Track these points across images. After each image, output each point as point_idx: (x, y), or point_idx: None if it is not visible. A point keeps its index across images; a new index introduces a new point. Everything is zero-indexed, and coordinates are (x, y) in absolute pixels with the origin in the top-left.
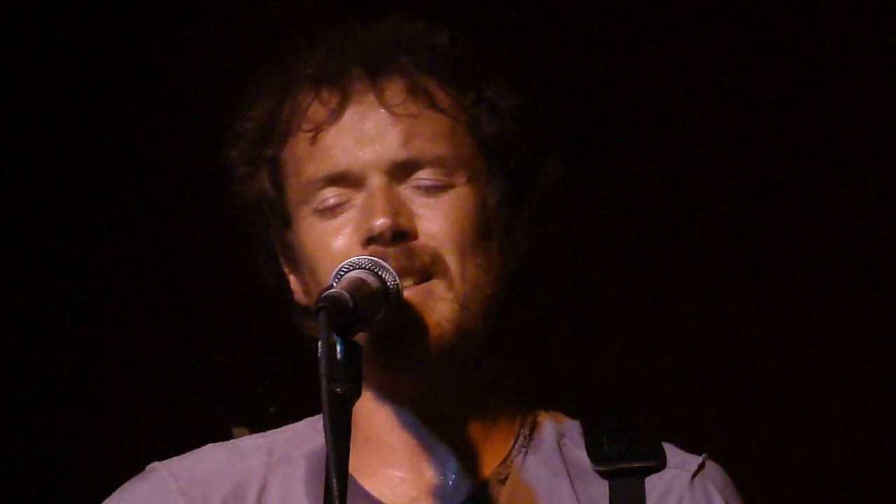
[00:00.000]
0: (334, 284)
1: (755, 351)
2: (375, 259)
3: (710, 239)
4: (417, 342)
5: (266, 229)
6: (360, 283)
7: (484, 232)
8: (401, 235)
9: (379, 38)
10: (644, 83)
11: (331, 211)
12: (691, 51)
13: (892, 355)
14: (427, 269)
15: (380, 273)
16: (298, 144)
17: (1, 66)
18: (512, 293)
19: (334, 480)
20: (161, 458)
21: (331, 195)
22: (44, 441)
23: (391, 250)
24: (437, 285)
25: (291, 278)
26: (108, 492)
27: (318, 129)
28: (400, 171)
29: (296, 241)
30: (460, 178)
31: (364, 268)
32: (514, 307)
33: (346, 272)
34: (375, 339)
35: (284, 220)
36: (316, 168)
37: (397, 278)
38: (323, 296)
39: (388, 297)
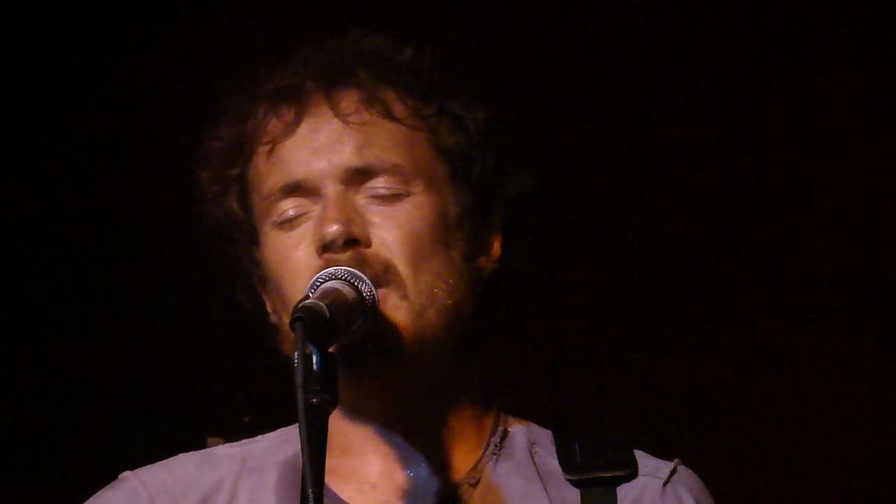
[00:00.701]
0: (311, 295)
1: (729, 355)
2: (352, 270)
3: (685, 243)
4: (375, 347)
5: (237, 249)
6: (337, 293)
7: (442, 240)
8: (352, 242)
9: (338, 52)
10: (613, 90)
11: (289, 223)
12: (657, 59)
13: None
14: (379, 279)
15: (356, 284)
16: (259, 160)
17: None
18: (484, 301)
19: (310, 491)
20: (136, 468)
21: (289, 206)
22: (17, 449)
23: (343, 258)
24: (389, 294)
25: (265, 298)
26: (81, 501)
27: (274, 143)
28: (355, 178)
29: (261, 258)
30: (417, 187)
31: (340, 278)
32: (485, 315)
33: (323, 283)
34: (348, 352)
35: (253, 239)
36: (273, 181)
37: (373, 289)
38: (299, 306)
39: (364, 308)
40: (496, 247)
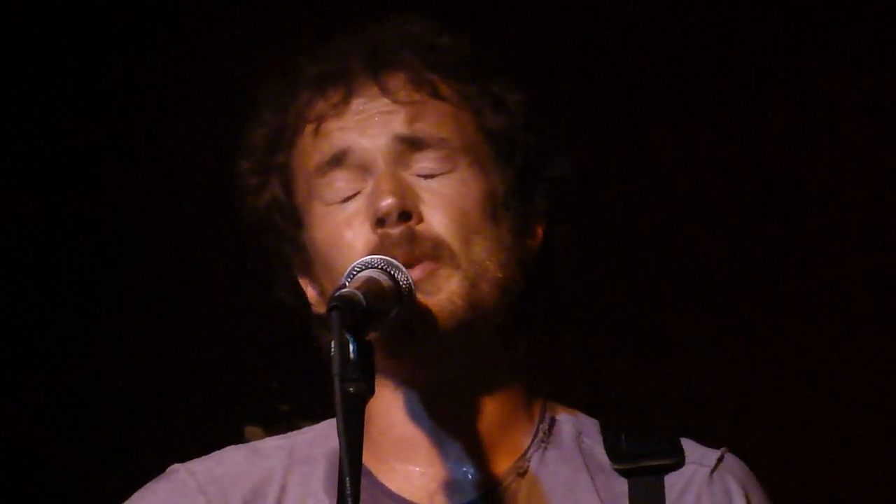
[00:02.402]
0: (347, 284)
1: (776, 344)
2: (388, 259)
3: (729, 232)
4: (430, 324)
5: (279, 238)
6: (373, 282)
7: (491, 217)
8: (405, 217)
9: (382, 36)
10: (654, 77)
11: (340, 201)
12: (700, 42)
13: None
14: (429, 256)
15: (393, 272)
16: (304, 140)
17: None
18: (528, 285)
19: (347, 479)
20: (176, 458)
21: (338, 178)
22: (61, 444)
23: (396, 233)
24: (442, 267)
25: (308, 289)
26: (124, 493)
27: (320, 121)
28: (404, 152)
29: (308, 239)
30: (463, 163)
31: (377, 267)
32: (530, 300)
33: (359, 272)
34: (388, 341)
35: (297, 222)
36: (321, 154)
37: (409, 278)
38: (335, 295)
39: (401, 297)
40: (539, 232)
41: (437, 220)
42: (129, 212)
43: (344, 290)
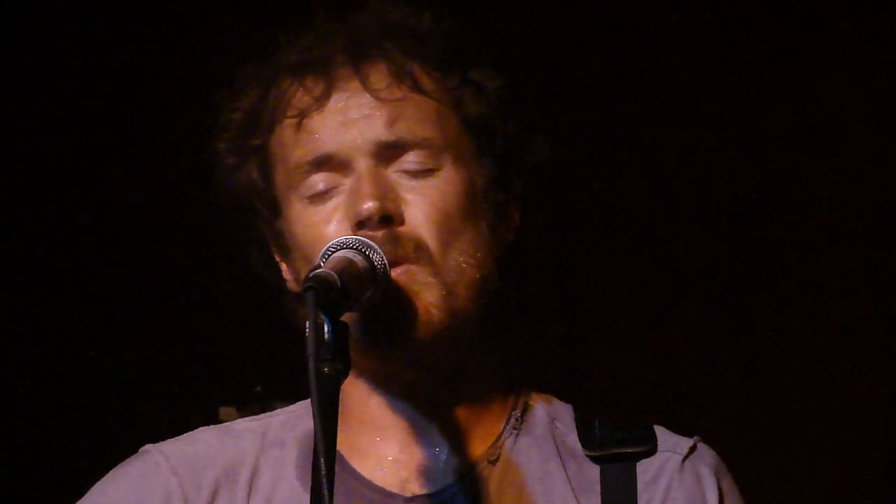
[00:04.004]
0: (321, 264)
1: (751, 332)
2: (363, 238)
3: (704, 221)
4: (406, 327)
5: (256, 219)
6: (348, 262)
7: (471, 214)
8: (387, 220)
9: (362, 24)
10: (631, 60)
11: (320, 197)
12: (679, 30)
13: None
14: (409, 257)
15: (367, 253)
16: (284, 131)
17: None
18: (503, 271)
19: (322, 461)
20: (149, 439)
21: (319, 180)
22: (33, 424)
23: (378, 236)
24: (420, 272)
25: (283, 266)
26: (98, 473)
27: (303, 116)
28: (386, 153)
29: (286, 229)
30: (447, 161)
31: (352, 247)
32: (504, 286)
33: (334, 252)
34: (363, 322)
35: (274, 209)
36: (302, 153)
37: (384, 258)
38: (310, 275)
39: (375, 277)
40: (516, 216)
41: (418, 222)
42: (100, 197)
43: (319, 271)
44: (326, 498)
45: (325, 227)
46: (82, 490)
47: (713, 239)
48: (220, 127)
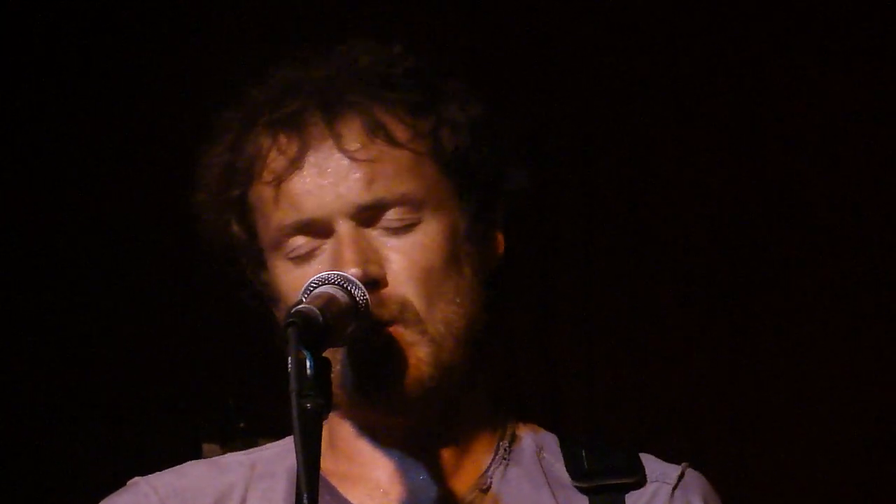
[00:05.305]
0: (303, 300)
1: (735, 355)
2: (344, 274)
3: (688, 243)
4: (396, 384)
5: (241, 270)
6: (330, 298)
7: (454, 262)
8: (372, 284)
9: (332, 71)
10: (617, 62)
11: (303, 258)
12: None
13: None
14: (395, 317)
15: (349, 288)
16: (263, 190)
17: None
18: (489, 298)
19: (305, 496)
20: (133, 474)
21: (301, 242)
22: (20, 460)
23: None
24: (407, 332)
25: (275, 312)
26: None
27: (279, 179)
28: (366, 214)
29: (272, 283)
30: (427, 211)
31: (333, 283)
32: (490, 316)
33: (316, 287)
34: (353, 377)
35: (259, 262)
36: (282, 216)
37: (366, 293)
38: (292, 311)
39: (357, 313)
40: (501, 243)
41: (402, 280)
42: (83, 227)
43: (301, 306)
44: None
45: None
46: None
47: (699, 258)
48: (197, 178)
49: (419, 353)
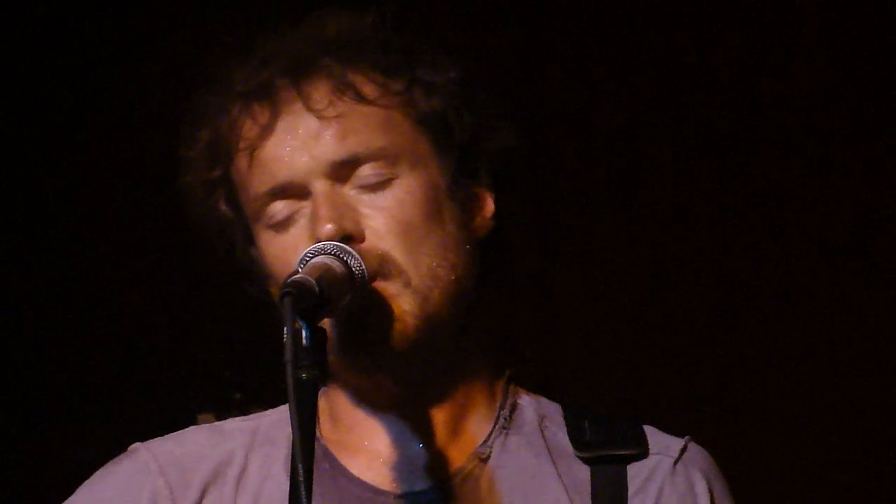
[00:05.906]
0: (300, 270)
1: (737, 329)
2: (341, 244)
3: (686, 210)
4: (382, 337)
5: (233, 248)
6: (326, 268)
7: (436, 216)
8: (347, 240)
9: (302, 41)
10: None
11: (282, 225)
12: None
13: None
14: (376, 272)
15: (345, 259)
16: (240, 162)
17: None
18: (484, 263)
19: (300, 465)
20: (127, 444)
21: (279, 208)
22: (15, 429)
23: None
24: (390, 285)
25: (266, 284)
26: (77, 475)
27: (253, 146)
28: (341, 171)
29: (259, 257)
30: (403, 167)
31: (330, 253)
32: (487, 279)
33: (312, 257)
34: (339, 334)
35: (247, 237)
36: (258, 184)
37: (362, 264)
38: (288, 281)
39: (353, 283)
40: (489, 204)
41: (380, 235)
42: (77, 200)
43: (297, 276)
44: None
45: (291, 255)
46: (59, 493)
47: (699, 231)
48: (182, 161)
49: (403, 305)
